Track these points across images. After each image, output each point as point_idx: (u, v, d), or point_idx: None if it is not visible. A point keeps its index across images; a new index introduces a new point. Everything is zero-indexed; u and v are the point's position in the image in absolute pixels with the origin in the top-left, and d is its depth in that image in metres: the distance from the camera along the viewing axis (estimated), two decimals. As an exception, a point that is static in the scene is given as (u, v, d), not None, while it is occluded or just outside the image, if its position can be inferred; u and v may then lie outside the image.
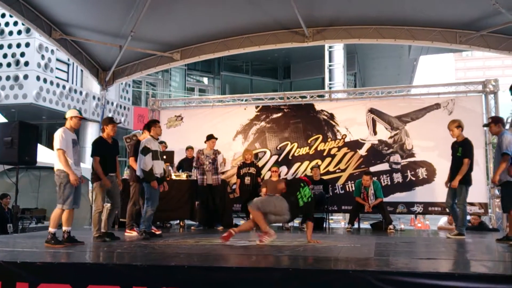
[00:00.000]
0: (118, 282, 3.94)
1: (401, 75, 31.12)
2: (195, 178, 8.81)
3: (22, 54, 18.08)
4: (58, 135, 5.66)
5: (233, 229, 6.15)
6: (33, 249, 5.49)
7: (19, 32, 18.33)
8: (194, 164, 8.79)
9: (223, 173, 9.22)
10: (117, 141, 6.72)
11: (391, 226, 8.29)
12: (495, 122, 6.49)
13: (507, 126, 7.12)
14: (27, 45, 18.15)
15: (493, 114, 8.89)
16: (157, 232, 7.27)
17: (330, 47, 21.48)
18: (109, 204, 6.69)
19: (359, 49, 25.27)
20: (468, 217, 9.30)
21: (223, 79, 29.28)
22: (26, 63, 17.96)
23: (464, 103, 9.41)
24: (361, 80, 30.22)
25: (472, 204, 9.04)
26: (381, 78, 30.44)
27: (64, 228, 5.71)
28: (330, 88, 20.14)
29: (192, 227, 8.55)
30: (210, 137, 8.66)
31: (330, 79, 21.39)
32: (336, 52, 21.64)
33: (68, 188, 5.60)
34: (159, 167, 6.84)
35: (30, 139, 8.11)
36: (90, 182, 10.13)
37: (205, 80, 30.09)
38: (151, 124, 7.05)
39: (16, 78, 17.70)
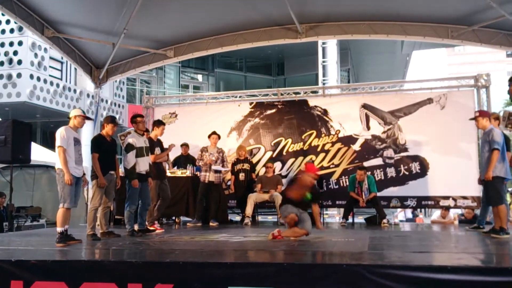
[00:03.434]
0: (113, 279, 3.96)
1: (394, 70, 31.17)
2: (190, 175, 8.83)
3: (15, 53, 17.95)
4: (59, 133, 5.68)
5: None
6: (28, 247, 5.49)
7: (12, 31, 18.20)
8: (197, 161, 8.80)
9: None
10: (115, 140, 6.73)
11: (385, 220, 8.35)
12: (483, 116, 6.41)
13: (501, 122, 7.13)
14: (20, 43, 18.02)
15: (485, 108, 8.94)
16: (158, 230, 7.32)
17: (323, 43, 21.47)
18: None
19: (352, 45, 25.28)
20: (462, 211, 9.41)
21: (217, 76, 29.23)
22: (19, 62, 17.84)
23: (456, 98, 9.46)
24: (355, 76, 30.25)
25: (465, 197, 9.14)
26: (374, 73, 30.47)
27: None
28: (323, 84, 20.16)
29: (188, 223, 8.55)
30: (212, 134, 8.70)
31: (323, 75, 21.40)
32: (329, 48, 21.65)
33: (68, 187, 5.59)
34: (144, 164, 6.79)
35: (24, 137, 8.10)
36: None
37: (199, 77, 30.03)
38: (132, 120, 6.99)
39: (10, 76, 17.59)
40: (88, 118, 6.23)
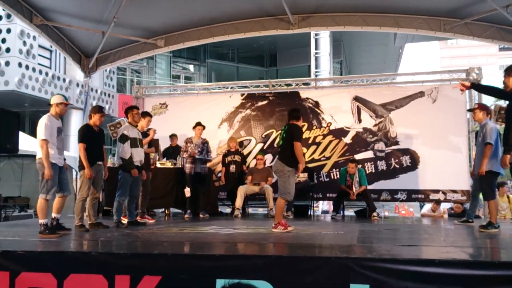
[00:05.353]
0: (101, 270, 3.92)
1: (387, 63, 31.22)
2: (180, 166, 8.77)
3: (3, 40, 17.64)
4: (43, 124, 5.49)
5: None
6: (15, 238, 5.44)
7: (0, 18, 17.90)
8: (181, 152, 8.69)
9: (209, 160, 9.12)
10: (103, 130, 6.65)
11: (375, 214, 8.37)
12: (481, 109, 6.47)
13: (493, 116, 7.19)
14: (8, 31, 17.71)
15: (476, 102, 8.97)
16: (150, 221, 7.35)
17: (316, 34, 21.41)
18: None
19: (345, 36, 25.25)
20: (451, 205, 9.46)
21: (209, 66, 29.07)
22: (8, 50, 17.54)
23: (447, 91, 9.47)
24: (347, 68, 30.25)
25: (454, 191, 9.19)
26: (367, 66, 30.50)
27: (53, 215, 5.64)
28: (316, 75, 20.12)
29: (186, 215, 8.42)
30: (197, 125, 8.60)
31: (316, 67, 21.37)
32: (322, 40, 21.59)
33: (51, 180, 5.47)
34: (138, 154, 6.76)
35: (12, 126, 7.96)
36: (74, 171, 10.04)
37: (191, 67, 29.84)
38: (128, 111, 6.93)
39: (-3, 64, 17.33)
40: (70, 105, 6.08)
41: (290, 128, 6.07)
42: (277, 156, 6.26)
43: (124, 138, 6.63)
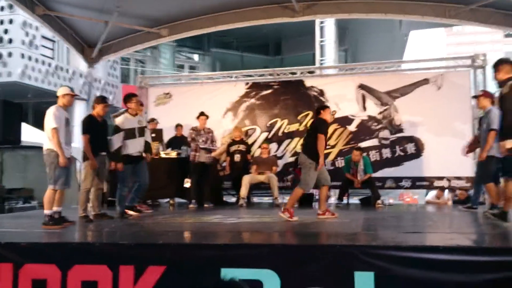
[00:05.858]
0: (105, 261, 3.92)
1: (393, 50, 30.91)
2: (185, 156, 8.74)
3: (6, 31, 17.64)
4: (52, 113, 5.51)
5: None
6: (18, 229, 5.46)
7: (2, 9, 17.86)
8: (188, 141, 8.64)
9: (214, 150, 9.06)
10: (106, 121, 6.62)
11: (379, 201, 8.35)
12: (485, 96, 6.43)
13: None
14: (11, 21, 17.69)
15: (481, 89, 8.87)
16: (147, 211, 7.27)
17: (321, 22, 21.18)
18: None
19: (350, 24, 25.01)
20: (456, 191, 9.42)
21: (213, 55, 28.97)
22: (10, 41, 17.54)
23: (453, 78, 9.38)
24: (353, 56, 30.03)
25: (459, 178, 9.14)
26: (372, 53, 30.18)
27: (55, 208, 5.65)
28: (321, 64, 19.98)
29: (190, 205, 8.39)
30: (200, 114, 8.57)
31: (321, 55, 21.19)
32: (327, 28, 21.37)
33: (60, 168, 5.47)
34: (133, 146, 6.64)
35: (14, 118, 7.96)
36: (77, 162, 10.05)
37: (195, 57, 29.77)
38: (126, 100, 6.81)
39: (0, 56, 17.32)
40: (77, 96, 6.07)
41: (315, 122, 6.37)
42: (301, 149, 6.44)
43: (115, 130, 6.53)
